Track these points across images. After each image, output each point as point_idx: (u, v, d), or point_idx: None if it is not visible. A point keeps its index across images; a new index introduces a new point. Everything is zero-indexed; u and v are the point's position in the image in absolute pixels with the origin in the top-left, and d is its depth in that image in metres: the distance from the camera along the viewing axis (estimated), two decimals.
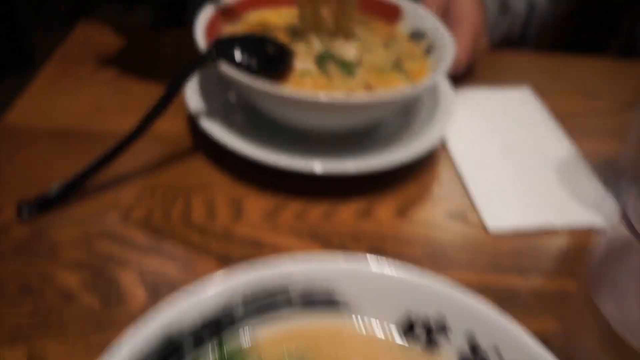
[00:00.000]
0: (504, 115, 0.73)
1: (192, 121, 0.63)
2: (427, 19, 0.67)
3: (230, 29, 0.65)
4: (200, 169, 0.60)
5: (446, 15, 0.75)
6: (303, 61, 0.60)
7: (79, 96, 0.69)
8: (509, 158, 0.66)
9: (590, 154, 0.68)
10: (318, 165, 0.54)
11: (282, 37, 0.64)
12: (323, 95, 0.50)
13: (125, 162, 0.57)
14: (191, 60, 0.53)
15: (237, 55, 0.54)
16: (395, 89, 0.58)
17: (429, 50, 0.65)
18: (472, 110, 0.73)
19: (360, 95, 0.53)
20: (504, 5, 0.88)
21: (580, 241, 0.56)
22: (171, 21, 1.09)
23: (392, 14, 0.70)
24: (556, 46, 1.54)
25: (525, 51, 0.90)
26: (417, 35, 0.68)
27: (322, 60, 0.60)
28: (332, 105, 0.51)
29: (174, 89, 0.53)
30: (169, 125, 0.63)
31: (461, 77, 0.77)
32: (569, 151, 0.68)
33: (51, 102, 0.68)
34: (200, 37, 0.57)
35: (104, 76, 0.73)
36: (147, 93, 0.70)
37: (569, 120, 0.75)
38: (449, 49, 0.61)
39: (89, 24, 0.85)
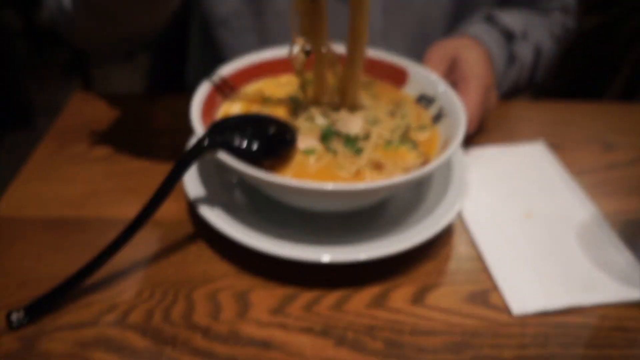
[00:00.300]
0: (519, 175, 0.69)
1: (192, 206, 0.60)
2: (434, 82, 0.64)
3: (228, 105, 0.62)
4: (203, 259, 0.56)
5: (453, 73, 0.72)
6: (307, 138, 0.57)
7: (73, 180, 0.66)
8: (529, 226, 0.62)
9: (614, 214, 0.64)
10: (326, 256, 0.51)
11: (283, 110, 0.61)
12: (329, 185, 0.47)
13: (122, 254, 0.53)
14: (187, 152, 0.50)
15: (236, 140, 0.51)
16: (405, 168, 0.54)
17: (438, 117, 0.61)
18: (487, 171, 0.69)
19: (368, 182, 0.50)
20: (511, 55, 0.85)
21: (614, 319, 0.52)
22: (168, 82, 1.06)
23: (398, 77, 0.67)
24: (559, 88, 1.53)
25: (535, 102, 0.86)
26: (424, 99, 0.64)
27: (327, 137, 0.57)
28: (339, 194, 0.48)
29: (171, 184, 0.49)
30: (167, 211, 0.60)
31: (473, 134, 0.74)
32: (591, 213, 0.64)
33: (44, 188, 0.65)
34: (197, 121, 0.54)
35: (98, 153, 0.70)
36: (143, 171, 0.67)
37: (587, 176, 0.71)
38: (460, 116, 0.58)
39: (82, 95, 0.82)
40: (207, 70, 0.65)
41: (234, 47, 0.88)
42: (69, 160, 0.70)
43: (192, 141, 0.62)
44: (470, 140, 0.74)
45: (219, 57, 0.89)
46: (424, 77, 0.65)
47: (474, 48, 0.75)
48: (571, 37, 0.99)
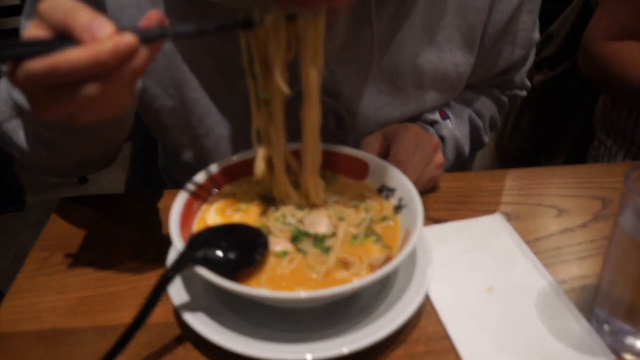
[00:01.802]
0: (480, 249, 0.75)
1: (176, 311, 0.64)
2: (393, 174, 0.70)
3: (204, 211, 0.67)
4: None
5: (385, 143, 0.80)
6: (279, 240, 0.62)
7: (63, 289, 0.70)
8: (491, 301, 0.67)
9: (570, 281, 0.70)
10: (309, 355, 0.55)
11: (256, 211, 0.67)
12: (301, 293, 0.52)
13: None
14: (169, 269, 0.55)
15: (213, 253, 0.56)
16: (371, 263, 0.60)
17: (398, 208, 0.67)
18: (449, 247, 0.75)
19: (336, 288, 0.54)
20: (460, 152, 0.93)
21: None
22: (149, 178, 1.11)
23: (360, 170, 0.73)
24: (521, 139, 1.62)
25: (491, 171, 0.93)
26: (385, 190, 0.70)
27: (297, 238, 0.62)
28: (311, 299, 0.53)
29: (156, 298, 0.54)
30: (155, 315, 0.64)
31: (432, 211, 0.80)
32: (548, 282, 0.69)
33: (36, 300, 0.69)
34: (176, 236, 0.59)
35: (87, 259, 0.75)
36: (131, 274, 0.72)
37: (542, 243, 0.77)
38: (417, 206, 0.64)
39: (67, 202, 0.87)
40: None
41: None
42: (59, 269, 0.74)
43: (172, 255, 0.66)
44: (431, 215, 0.80)
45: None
46: (383, 169, 0.72)
47: (405, 125, 0.83)
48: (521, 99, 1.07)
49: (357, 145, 0.85)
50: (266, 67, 0.60)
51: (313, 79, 0.60)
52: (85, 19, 0.46)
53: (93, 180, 2.71)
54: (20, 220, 2.48)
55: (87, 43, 0.46)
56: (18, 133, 0.78)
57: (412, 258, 0.67)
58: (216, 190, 0.71)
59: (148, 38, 0.50)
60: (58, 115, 0.50)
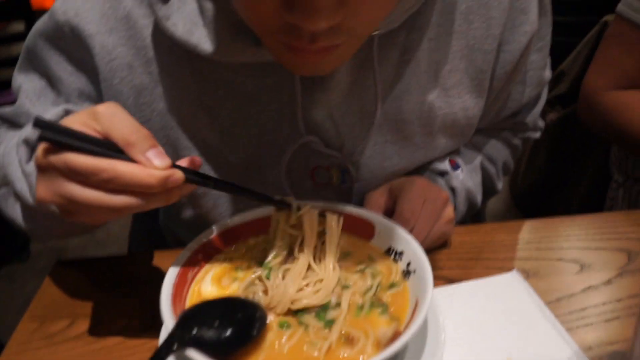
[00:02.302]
0: (496, 313, 0.69)
1: None
2: (401, 236, 0.65)
3: (198, 282, 0.63)
4: None
5: (391, 197, 0.77)
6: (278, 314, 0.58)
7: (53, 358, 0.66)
8: None
9: (597, 347, 0.64)
10: None
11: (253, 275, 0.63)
12: None
13: None
14: (157, 352, 0.51)
15: (206, 333, 0.52)
16: (377, 339, 0.55)
17: (407, 273, 0.62)
18: (462, 312, 0.69)
19: None
20: (472, 202, 0.89)
21: None
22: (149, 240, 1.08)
23: (366, 230, 0.69)
24: (534, 179, 1.57)
25: (505, 222, 0.88)
26: (392, 252, 0.66)
27: (298, 312, 0.58)
28: None
29: None
30: None
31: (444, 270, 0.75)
32: (572, 351, 0.64)
33: None
34: (168, 313, 0.54)
35: (78, 330, 0.71)
36: (123, 347, 0.67)
37: (564, 303, 0.71)
38: (426, 271, 0.59)
39: (60, 266, 0.83)
40: None
41: None
42: (48, 343, 0.69)
43: (164, 334, 0.62)
44: (442, 276, 0.75)
45: None
46: (390, 229, 0.67)
47: (411, 178, 0.80)
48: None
49: (362, 201, 0.81)
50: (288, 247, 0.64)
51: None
52: (148, 144, 0.51)
53: (100, 227, 2.68)
54: (27, 269, 2.46)
55: (142, 165, 0.50)
56: (7, 200, 0.74)
57: (422, 325, 0.61)
58: (212, 254, 0.67)
59: (193, 181, 0.55)
60: (60, 207, 0.53)
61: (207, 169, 0.79)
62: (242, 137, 0.76)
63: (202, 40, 0.66)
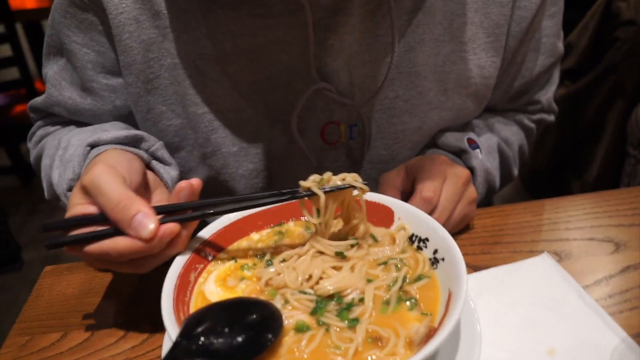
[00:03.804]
0: (531, 301, 0.63)
1: None
2: (423, 220, 0.59)
3: (203, 278, 0.56)
4: None
5: (409, 178, 0.72)
6: (295, 312, 0.51)
7: None
8: None
9: None
10: None
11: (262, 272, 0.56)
12: None
13: None
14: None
15: (214, 342, 0.45)
16: (409, 337, 0.48)
17: (435, 261, 0.56)
18: (495, 300, 0.63)
19: None
20: (491, 185, 0.83)
21: None
22: None
23: (386, 217, 0.62)
24: (544, 159, 1.51)
25: (529, 202, 0.82)
26: (416, 240, 0.59)
27: (318, 310, 0.51)
28: None
29: None
30: None
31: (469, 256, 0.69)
32: (619, 338, 0.57)
33: None
34: (170, 321, 0.48)
35: (69, 344, 0.64)
36: (120, 352, 0.61)
37: (603, 286, 0.65)
38: (459, 261, 0.52)
39: (52, 270, 0.77)
40: None
41: None
42: (38, 357, 0.63)
43: (167, 344, 0.56)
44: (472, 262, 0.69)
45: None
46: (411, 214, 0.61)
47: (430, 156, 0.75)
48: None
49: (375, 176, 0.77)
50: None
51: None
52: (130, 215, 0.52)
53: None
54: (20, 278, 2.39)
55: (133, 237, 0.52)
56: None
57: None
58: (214, 254, 0.60)
59: (187, 220, 0.55)
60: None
61: (216, 126, 0.75)
62: (252, 92, 0.74)
63: None
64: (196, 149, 0.77)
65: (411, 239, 0.60)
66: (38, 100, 0.82)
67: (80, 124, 0.81)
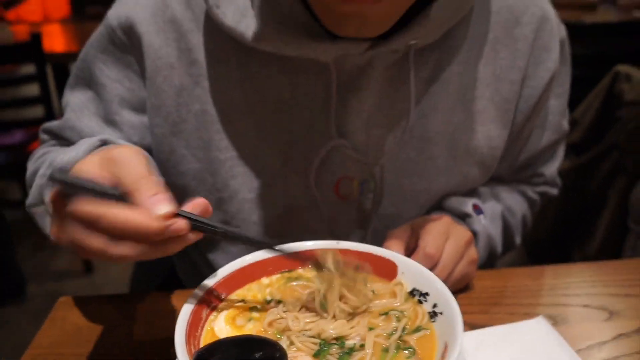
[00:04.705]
0: None
1: None
2: (425, 276, 0.62)
3: (212, 320, 0.59)
4: None
5: (414, 236, 0.74)
6: (299, 355, 0.54)
7: None
8: None
9: None
10: None
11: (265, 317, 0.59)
12: None
13: None
14: None
15: None
16: None
17: (433, 314, 0.59)
18: (493, 359, 0.66)
19: None
20: (492, 251, 0.87)
21: None
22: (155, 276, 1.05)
23: (389, 270, 0.66)
24: (546, 232, 1.55)
25: (530, 267, 0.85)
26: (417, 294, 0.62)
27: (320, 353, 0.54)
28: None
29: None
30: None
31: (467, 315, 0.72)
32: None
33: None
34: (182, 353, 0.51)
35: None
36: None
37: (596, 351, 0.68)
38: (455, 314, 0.56)
39: (66, 301, 0.80)
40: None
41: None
42: None
43: None
44: (468, 322, 0.72)
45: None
46: (413, 269, 0.64)
47: (435, 216, 0.78)
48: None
49: (380, 223, 0.81)
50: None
51: None
52: (153, 190, 0.50)
53: (99, 270, 2.63)
54: (22, 311, 2.40)
55: (143, 211, 0.48)
56: (44, 218, 0.77)
57: None
58: (225, 294, 0.63)
59: (199, 229, 0.53)
60: (67, 245, 0.52)
61: (236, 172, 0.79)
62: (274, 142, 0.78)
63: (249, 28, 0.69)
64: (213, 193, 0.81)
65: (412, 292, 0.63)
66: (53, 122, 0.85)
67: None
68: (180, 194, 0.81)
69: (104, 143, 0.72)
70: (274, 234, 0.82)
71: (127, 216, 0.48)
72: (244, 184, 0.80)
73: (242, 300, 0.63)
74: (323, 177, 0.79)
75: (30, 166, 0.84)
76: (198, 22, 0.76)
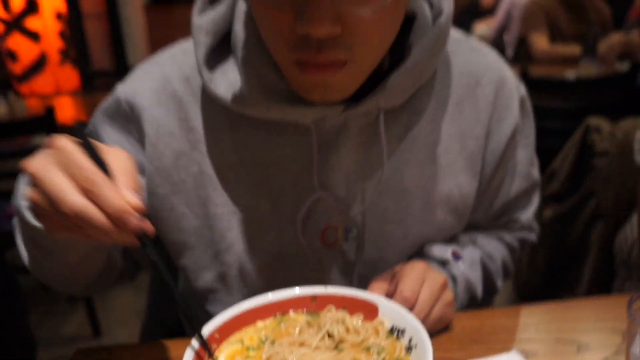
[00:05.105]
0: None
1: None
2: (403, 315, 0.70)
3: (220, 349, 0.67)
4: None
5: (394, 279, 0.82)
6: None
7: None
8: None
9: None
10: None
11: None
12: None
13: None
14: None
15: None
16: None
17: (409, 348, 0.66)
18: None
19: None
20: (472, 295, 0.94)
21: None
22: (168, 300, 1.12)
23: (370, 310, 0.74)
24: (536, 276, 1.62)
25: (507, 308, 0.92)
26: (396, 330, 0.70)
27: None
28: None
29: None
30: None
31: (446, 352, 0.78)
32: None
33: None
34: None
35: None
36: None
37: None
38: (427, 346, 0.63)
39: (82, 353, 0.87)
40: None
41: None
42: None
43: None
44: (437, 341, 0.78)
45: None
46: (392, 309, 0.72)
47: (412, 262, 0.85)
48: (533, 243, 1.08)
49: (364, 268, 0.89)
50: None
51: None
52: (130, 183, 0.60)
53: (107, 333, 2.67)
54: None
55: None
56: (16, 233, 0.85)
57: None
58: (223, 338, 0.71)
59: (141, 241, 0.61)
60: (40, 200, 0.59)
61: (232, 224, 0.89)
62: (264, 196, 0.88)
63: (238, 98, 0.81)
64: (210, 247, 0.90)
65: (392, 330, 0.71)
66: None
67: None
68: (179, 249, 0.91)
69: None
70: (266, 281, 0.90)
71: (107, 182, 0.57)
72: (239, 236, 0.89)
73: (240, 342, 0.71)
74: (309, 226, 0.88)
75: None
76: (195, 95, 0.88)
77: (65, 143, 0.59)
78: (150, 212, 0.90)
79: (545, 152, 1.06)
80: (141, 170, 0.89)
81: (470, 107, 0.90)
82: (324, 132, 0.84)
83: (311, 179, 0.86)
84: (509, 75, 0.94)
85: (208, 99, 0.87)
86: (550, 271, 1.55)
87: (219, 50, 0.84)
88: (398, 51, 0.82)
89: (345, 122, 0.84)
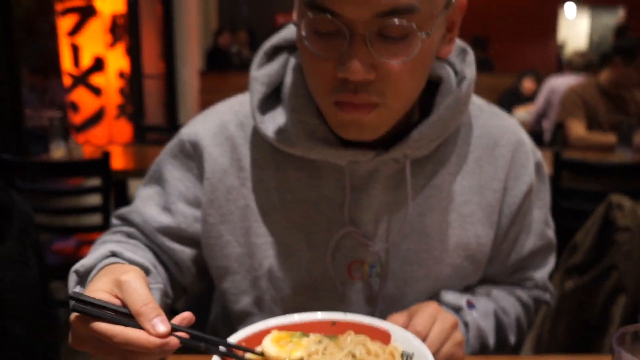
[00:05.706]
0: None
1: None
2: (412, 341, 0.78)
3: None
4: None
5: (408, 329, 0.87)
6: None
7: None
8: None
9: None
10: None
11: None
12: None
13: None
14: None
15: None
16: None
17: None
18: None
19: None
20: (483, 343, 1.00)
21: None
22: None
23: (383, 337, 0.81)
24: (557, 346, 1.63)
25: (508, 356, 0.97)
26: (406, 355, 0.77)
27: None
28: None
29: None
30: None
31: None
32: None
33: None
34: None
35: None
36: None
37: None
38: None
39: None
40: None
41: None
42: None
43: None
44: None
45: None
46: (404, 337, 0.79)
47: (426, 302, 0.92)
48: (548, 305, 1.13)
49: (384, 303, 0.98)
50: None
51: None
52: (154, 314, 0.67)
53: None
54: None
55: (146, 331, 0.66)
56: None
57: None
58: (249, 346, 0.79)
59: (186, 344, 0.69)
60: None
61: (270, 254, 0.99)
62: (300, 231, 0.98)
63: (284, 138, 0.93)
64: (250, 272, 1.00)
65: (402, 355, 0.78)
66: (123, 208, 1.06)
67: (140, 240, 1.02)
68: (222, 274, 1.00)
69: (114, 254, 0.89)
70: (296, 307, 0.98)
71: (137, 335, 0.65)
72: (275, 265, 0.99)
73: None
74: (338, 259, 0.97)
75: (95, 245, 1.04)
76: (247, 138, 1.01)
77: (90, 328, 0.67)
78: (202, 238, 1.02)
79: (567, 231, 1.10)
80: (197, 202, 1.02)
81: (489, 164, 1.00)
82: (356, 176, 0.95)
83: (342, 215, 0.96)
84: (526, 139, 1.05)
85: (258, 142, 1.00)
86: (571, 342, 1.56)
87: (271, 99, 0.98)
88: (426, 109, 0.93)
89: (376, 167, 0.94)
